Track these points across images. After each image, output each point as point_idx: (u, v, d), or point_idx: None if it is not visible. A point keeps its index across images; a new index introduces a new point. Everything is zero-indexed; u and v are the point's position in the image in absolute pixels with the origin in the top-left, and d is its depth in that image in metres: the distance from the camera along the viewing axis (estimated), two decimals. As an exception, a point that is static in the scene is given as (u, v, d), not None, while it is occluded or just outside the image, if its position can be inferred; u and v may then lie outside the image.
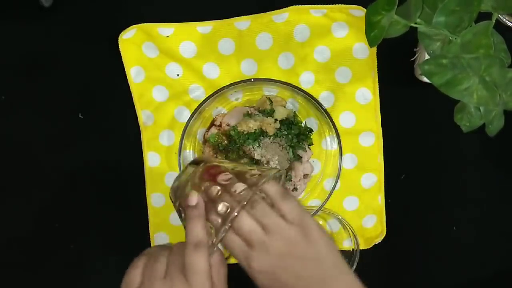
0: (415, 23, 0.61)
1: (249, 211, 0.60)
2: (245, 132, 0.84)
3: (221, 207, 0.60)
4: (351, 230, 0.87)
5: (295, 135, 0.86)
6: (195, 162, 0.68)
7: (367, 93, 0.87)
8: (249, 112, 0.86)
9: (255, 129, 0.84)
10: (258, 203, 0.61)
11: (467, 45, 0.57)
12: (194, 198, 0.61)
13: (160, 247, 0.63)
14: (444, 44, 0.62)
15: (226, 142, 0.85)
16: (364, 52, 0.86)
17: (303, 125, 0.88)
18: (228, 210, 0.60)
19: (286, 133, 0.85)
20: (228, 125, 0.86)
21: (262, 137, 0.85)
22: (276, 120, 0.85)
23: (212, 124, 0.88)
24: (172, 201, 0.66)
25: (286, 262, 0.59)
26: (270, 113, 0.86)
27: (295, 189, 0.87)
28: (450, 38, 0.60)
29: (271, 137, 0.85)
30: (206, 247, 0.58)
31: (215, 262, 0.59)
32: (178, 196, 0.64)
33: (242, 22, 0.86)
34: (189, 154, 0.87)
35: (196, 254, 0.57)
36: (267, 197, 0.62)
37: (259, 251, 0.59)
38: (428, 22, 0.60)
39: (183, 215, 0.63)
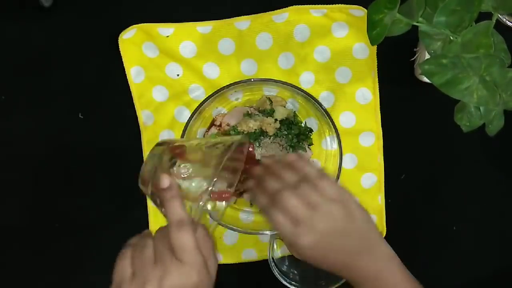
0: (417, 22, 0.61)
1: (294, 191, 0.63)
2: (245, 132, 0.84)
3: (194, 184, 0.63)
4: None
5: (295, 135, 0.86)
6: (159, 144, 0.68)
7: (367, 93, 0.87)
8: (249, 112, 0.86)
9: (255, 129, 0.84)
10: (301, 183, 0.63)
11: (467, 44, 0.57)
12: (166, 181, 0.61)
13: (141, 235, 0.64)
14: (445, 43, 0.62)
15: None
16: (364, 52, 0.86)
17: (303, 125, 0.88)
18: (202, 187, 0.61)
19: (286, 133, 0.85)
20: (228, 125, 0.86)
21: (262, 137, 0.85)
22: (276, 120, 0.85)
23: (212, 124, 0.88)
24: (143, 191, 0.67)
25: (330, 237, 0.61)
26: (270, 113, 0.86)
27: (295, 189, 0.87)
28: (451, 37, 0.60)
29: (271, 137, 0.85)
30: (189, 224, 0.58)
31: (200, 237, 0.60)
32: (148, 183, 0.65)
33: (242, 22, 0.86)
34: (189, 154, 0.87)
35: (181, 233, 0.57)
36: (307, 177, 0.64)
37: (305, 228, 0.61)
38: (429, 21, 0.60)
39: (158, 200, 0.63)
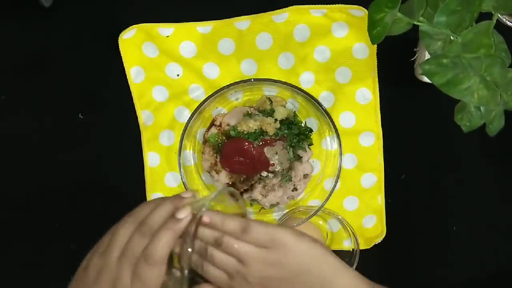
0: (418, 22, 0.61)
1: (218, 248, 0.58)
2: (245, 132, 0.84)
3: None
4: (351, 230, 0.87)
5: (295, 135, 0.86)
6: None
7: (367, 93, 0.87)
8: (249, 112, 0.86)
9: (255, 129, 0.84)
10: (224, 239, 0.58)
11: (468, 44, 0.57)
12: (184, 212, 0.56)
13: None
14: (445, 43, 0.62)
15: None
16: (364, 52, 0.86)
17: (303, 125, 0.88)
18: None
19: (286, 132, 0.85)
20: (228, 125, 0.86)
21: (262, 137, 0.85)
22: (276, 120, 0.85)
23: (212, 124, 0.88)
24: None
25: (270, 285, 0.58)
26: (270, 113, 0.86)
27: (295, 189, 0.87)
28: (451, 37, 0.60)
29: (271, 137, 0.85)
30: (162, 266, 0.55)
31: None
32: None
33: (242, 22, 0.86)
34: (189, 154, 0.87)
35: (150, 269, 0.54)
36: (231, 233, 0.59)
37: (240, 282, 0.58)
38: (430, 21, 0.60)
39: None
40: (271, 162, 0.84)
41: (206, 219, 0.58)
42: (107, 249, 0.57)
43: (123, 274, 0.55)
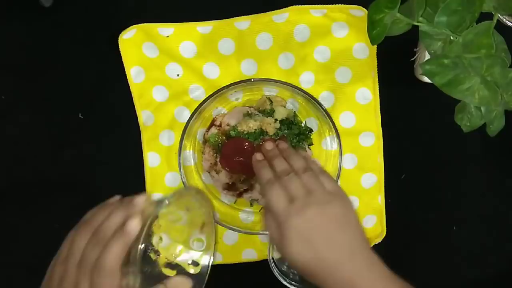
0: (418, 22, 0.61)
1: (299, 176, 0.66)
2: (245, 132, 0.84)
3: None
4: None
5: (295, 135, 0.86)
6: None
7: (367, 93, 0.87)
8: (249, 112, 0.86)
9: (255, 129, 0.84)
10: (308, 171, 0.67)
11: (468, 45, 0.57)
12: (133, 223, 0.57)
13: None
14: (446, 44, 0.62)
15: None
16: (364, 52, 0.86)
17: (303, 125, 0.88)
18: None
19: (286, 132, 0.85)
20: (228, 125, 0.86)
21: (262, 137, 0.85)
22: (276, 120, 0.85)
23: (212, 124, 0.88)
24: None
25: (321, 221, 0.62)
26: (270, 113, 0.86)
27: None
28: (452, 38, 0.60)
29: (271, 137, 0.85)
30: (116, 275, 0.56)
31: None
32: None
33: (242, 22, 0.86)
34: (189, 154, 0.87)
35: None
36: (312, 170, 0.69)
37: (299, 207, 0.62)
38: (430, 21, 0.60)
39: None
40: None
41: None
42: (66, 257, 0.59)
43: (81, 282, 0.56)
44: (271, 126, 0.84)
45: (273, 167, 0.70)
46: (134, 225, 0.56)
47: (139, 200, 0.59)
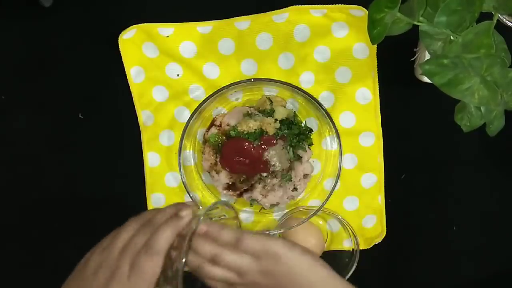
0: (418, 22, 0.61)
1: (213, 263, 0.60)
2: (245, 132, 0.84)
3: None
4: (351, 230, 0.87)
5: (295, 135, 0.86)
6: None
7: (367, 93, 0.87)
8: (249, 112, 0.86)
9: (255, 129, 0.84)
10: (219, 253, 0.59)
11: (468, 45, 0.57)
12: (186, 211, 0.59)
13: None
14: (446, 43, 0.62)
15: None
16: (364, 52, 0.86)
17: (303, 125, 0.88)
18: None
19: (286, 132, 0.85)
20: (228, 125, 0.86)
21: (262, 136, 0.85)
22: (276, 120, 0.85)
23: (212, 124, 0.88)
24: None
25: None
26: (270, 113, 0.86)
27: (295, 189, 0.87)
28: (451, 37, 0.60)
29: (272, 136, 0.85)
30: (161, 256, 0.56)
31: None
32: None
33: (242, 22, 0.86)
34: (189, 154, 0.87)
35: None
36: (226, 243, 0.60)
37: None
38: (430, 21, 0.60)
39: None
40: (271, 162, 0.84)
41: (203, 227, 0.59)
42: (108, 245, 0.59)
43: (122, 265, 0.56)
44: (271, 126, 0.84)
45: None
46: (187, 213, 0.58)
47: (188, 204, 0.60)
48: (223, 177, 0.86)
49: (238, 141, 0.84)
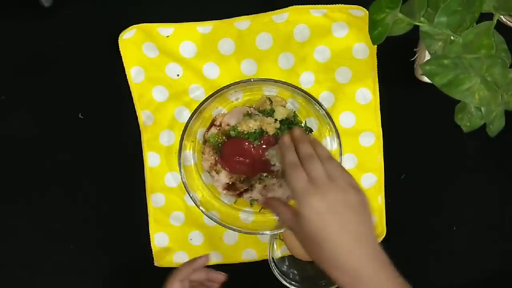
0: (419, 22, 0.61)
1: (322, 163, 0.68)
2: (245, 132, 0.84)
3: None
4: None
5: (295, 135, 0.86)
6: None
7: (367, 93, 0.87)
8: (249, 112, 0.86)
9: (255, 129, 0.84)
10: (331, 160, 0.69)
11: (469, 45, 0.57)
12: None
13: None
14: (446, 44, 0.62)
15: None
16: (364, 52, 0.86)
17: (303, 125, 0.88)
18: None
19: (286, 132, 0.85)
20: (228, 125, 0.86)
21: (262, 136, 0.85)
22: (276, 120, 0.85)
23: (212, 124, 0.88)
24: None
25: (339, 207, 0.64)
26: (270, 113, 0.86)
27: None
28: (452, 38, 0.60)
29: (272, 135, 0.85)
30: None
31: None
32: None
33: (242, 22, 0.86)
34: (189, 154, 0.87)
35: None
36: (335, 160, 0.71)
37: (319, 190, 0.65)
38: (430, 21, 0.60)
39: None
40: (271, 162, 0.84)
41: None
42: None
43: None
44: (271, 126, 0.84)
45: (297, 151, 0.71)
46: None
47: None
48: (223, 177, 0.86)
49: (238, 141, 0.84)
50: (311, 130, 0.88)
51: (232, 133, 0.84)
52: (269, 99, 0.87)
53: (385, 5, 0.60)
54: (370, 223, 0.66)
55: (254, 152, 0.83)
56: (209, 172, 0.88)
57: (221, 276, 0.85)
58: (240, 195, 0.88)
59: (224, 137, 0.85)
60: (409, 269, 0.92)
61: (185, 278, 0.81)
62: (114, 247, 0.92)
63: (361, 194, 0.66)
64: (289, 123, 0.86)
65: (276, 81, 0.82)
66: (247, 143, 0.83)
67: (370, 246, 0.64)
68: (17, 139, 0.89)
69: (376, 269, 0.63)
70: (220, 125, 0.86)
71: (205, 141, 0.88)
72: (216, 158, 0.86)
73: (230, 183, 0.87)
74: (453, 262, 0.91)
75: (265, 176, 0.85)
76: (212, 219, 0.84)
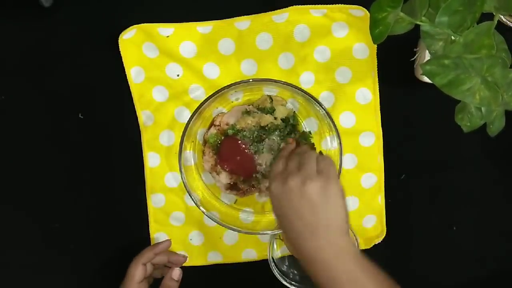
0: (420, 21, 0.61)
1: (299, 155, 0.73)
2: (243, 129, 0.84)
3: None
4: (351, 230, 0.87)
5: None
6: None
7: (367, 93, 0.87)
8: (247, 110, 0.86)
9: (254, 126, 0.84)
10: (307, 152, 0.74)
11: (469, 45, 0.57)
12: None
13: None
14: (447, 44, 0.62)
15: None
16: (364, 52, 0.86)
17: (303, 129, 0.88)
18: None
19: (288, 131, 0.85)
20: (227, 124, 0.86)
21: (261, 133, 0.85)
22: (275, 118, 0.85)
23: (212, 124, 0.87)
24: None
25: (295, 193, 0.67)
26: (270, 111, 0.86)
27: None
28: (453, 38, 0.60)
29: (271, 137, 0.85)
30: None
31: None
32: None
33: (242, 22, 0.86)
34: (189, 154, 0.87)
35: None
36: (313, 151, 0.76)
37: (284, 177, 0.69)
38: (431, 21, 0.60)
39: None
40: (261, 162, 0.84)
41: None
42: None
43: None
44: (266, 119, 0.84)
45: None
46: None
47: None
48: (224, 178, 0.86)
49: (234, 141, 0.84)
50: (309, 133, 0.88)
51: (230, 131, 0.84)
52: (270, 97, 0.86)
53: (387, 4, 0.60)
54: (331, 216, 0.67)
55: (248, 152, 0.84)
56: (210, 173, 0.88)
57: (182, 258, 0.88)
58: (242, 194, 0.88)
59: (222, 137, 0.85)
60: (409, 269, 0.92)
61: (148, 262, 0.84)
62: (114, 247, 0.92)
63: (328, 185, 0.67)
64: (291, 126, 0.87)
65: (276, 81, 0.82)
66: (243, 144, 0.83)
67: (328, 237, 0.66)
68: (17, 139, 0.89)
69: (334, 254, 0.66)
70: (219, 125, 0.86)
71: (205, 142, 0.88)
72: (216, 159, 0.86)
73: (232, 183, 0.87)
74: (453, 262, 0.91)
75: (259, 176, 0.86)
76: (212, 219, 0.84)
